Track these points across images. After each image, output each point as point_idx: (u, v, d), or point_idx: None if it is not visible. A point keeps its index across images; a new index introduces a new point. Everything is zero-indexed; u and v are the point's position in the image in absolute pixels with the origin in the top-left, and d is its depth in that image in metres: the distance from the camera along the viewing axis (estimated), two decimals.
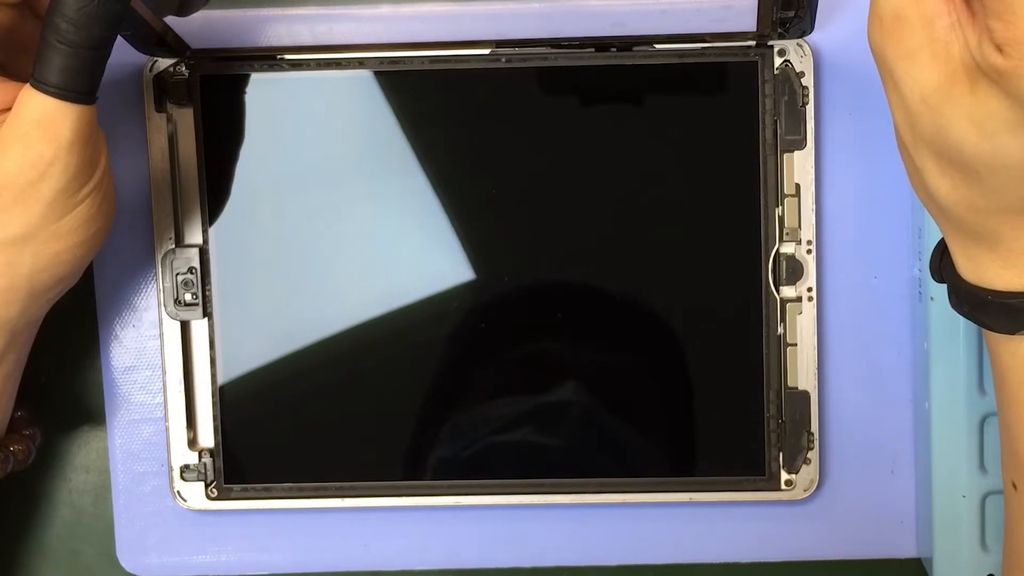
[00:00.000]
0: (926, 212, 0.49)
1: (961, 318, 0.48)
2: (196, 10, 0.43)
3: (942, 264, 0.41)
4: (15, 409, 0.48)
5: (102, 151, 0.42)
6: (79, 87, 0.39)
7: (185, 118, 0.51)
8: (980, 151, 0.34)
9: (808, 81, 0.49)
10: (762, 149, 0.50)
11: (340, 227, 0.51)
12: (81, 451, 0.54)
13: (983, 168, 0.34)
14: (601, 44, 0.50)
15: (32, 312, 0.44)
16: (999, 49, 0.32)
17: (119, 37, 0.45)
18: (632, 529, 0.53)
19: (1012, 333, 0.38)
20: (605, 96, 0.50)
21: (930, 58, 0.34)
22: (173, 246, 0.51)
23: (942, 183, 0.36)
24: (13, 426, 0.49)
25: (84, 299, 0.53)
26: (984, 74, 0.33)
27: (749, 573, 0.53)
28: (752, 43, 0.49)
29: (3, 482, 0.48)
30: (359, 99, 0.51)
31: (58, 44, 0.38)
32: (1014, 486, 0.41)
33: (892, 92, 0.36)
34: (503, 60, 0.50)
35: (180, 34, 0.47)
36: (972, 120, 0.33)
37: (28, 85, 0.39)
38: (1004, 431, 0.41)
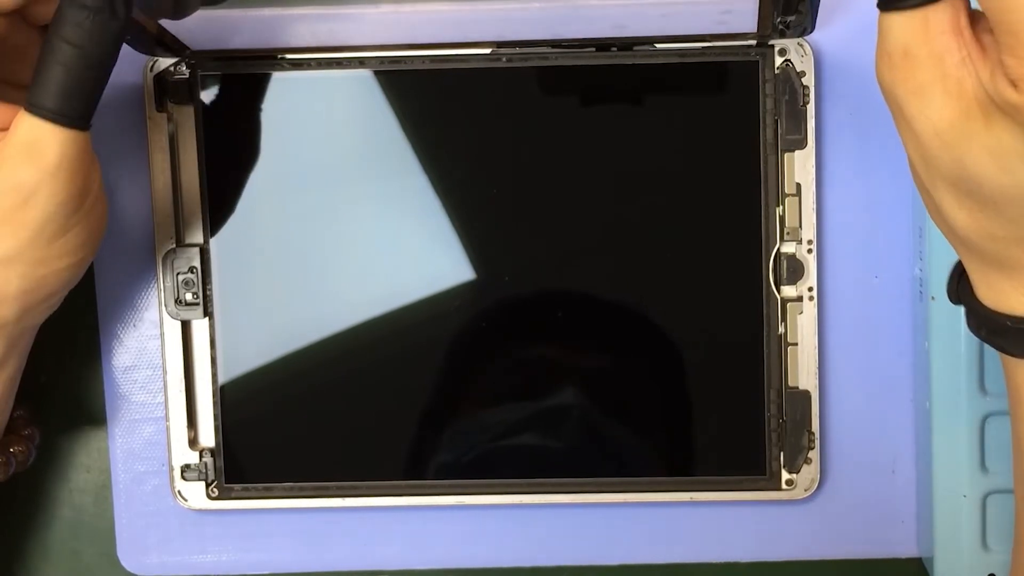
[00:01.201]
0: (927, 211, 0.49)
1: (962, 317, 0.48)
2: (191, 12, 0.43)
3: (959, 287, 0.40)
4: (14, 409, 0.48)
5: (95, 179, 0.41)
6: (70, 111, 0.38)
7: (186, 118, 0.51)
8: (999, 184, 0.33)
9: (809, 80, 0.49)
10: (763, 149, 0.50)
11: (341, 227, 0.51)
12: (82, 451, 0.55)
13: (1002, 200, 0.34)
14: (602, 44, 0.50)
15: (28, 320, 0.44)
16: (1013, 85, 0.31)
17: None
18: (633, 529, 0.53)
19: None
20: (606, 96, 0.50)
21: (942, 94, 0.33)
22: (174, 245, 0.51)
23: (960, 214, 0.36)
24: (12, 426, 0.49)
25: (85, 299, 0.53)
26: (999, 109, 0.32)
27: (750, 573, 0.54)
28: (753, 43, 0.49)
29: (4, 482, 0.48)
30: (360, 99, 0.51)
31: (53, 64, 0.37)
32: None
33: (904, 128, 0.36)
34: (504, 60, 0.50)
35: (179, 34, 0.47)
36: (990, 154, 0.33)
37: (23, 110, 0.38)
38: (1016, 447, 0.41)
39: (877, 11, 0.34)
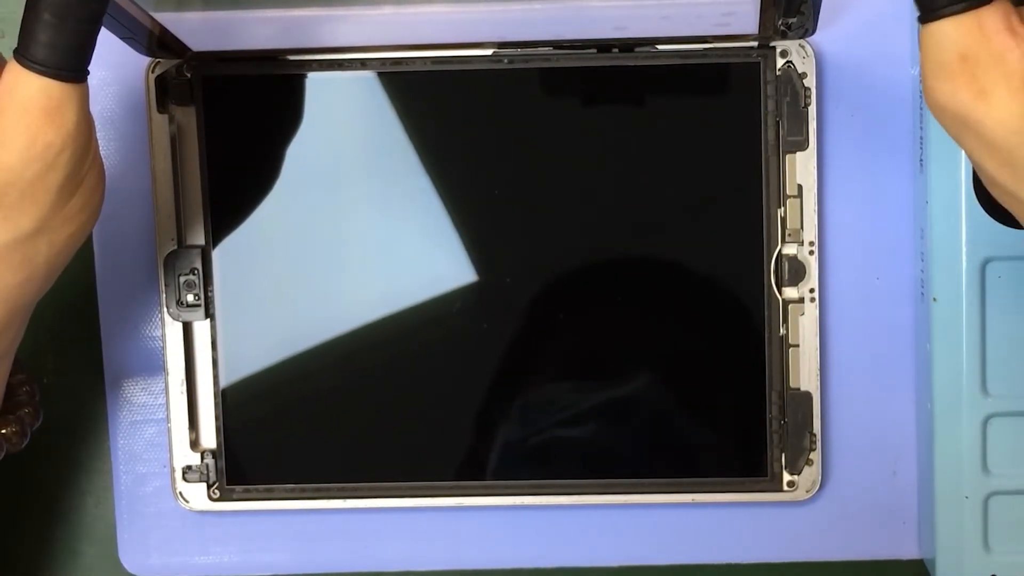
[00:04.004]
0: (928, 212, 0.49)
1: (964, 318, 0.48)
2: None
3: None
4: (13, 373, 0.47)
5: (94, 130, 0.40)
6: (82, 64, 0.37)
7: (188, 119, 0.51)
8: None
9: (810, 82, 0.49)
10: (764, 150, 0.50)
11: (343, 228, 0.51)
12: (83, 452, 0.54)
13: None
14: (603, 45, 0.50)
15: (46, 288, 0.43)
16: None
17: (121, 40, 0.45)
18: (634, 530, 0.53)
19: None
20: (607, 97, 0.50)
21: (1008, 92, 0.33)
22: (175, 247, 0.51)
23: None
24: (11, 390, 0.47)
25: (86, 300, 0.53)
26: None
27: (751, 574, 0.53)
28: (754, 44, 0.49)
29: (4, 478, 0.47)
30: (361, 100, 0.51)
31: (59, 21, 0.35)
32: None
33: (971, 138, 0.35)
34: (505, 61, 0.50)
35: (181, 36, 0.47)
36: None
37: (19, 68, 0.36)
38: None
39: (918, 25, 0.34)
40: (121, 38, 0.45)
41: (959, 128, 0.35)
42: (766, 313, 0.51)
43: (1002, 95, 0.33)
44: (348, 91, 0.51)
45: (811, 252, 0.50)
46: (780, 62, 0.49)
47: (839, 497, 0.53)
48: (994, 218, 0.47)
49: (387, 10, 0.45)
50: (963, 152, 0.47)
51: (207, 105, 0.51)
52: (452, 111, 0.51)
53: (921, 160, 0.50)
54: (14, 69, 0.37)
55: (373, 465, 0.52)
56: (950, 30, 0.33)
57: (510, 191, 0.51)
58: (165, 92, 0.51)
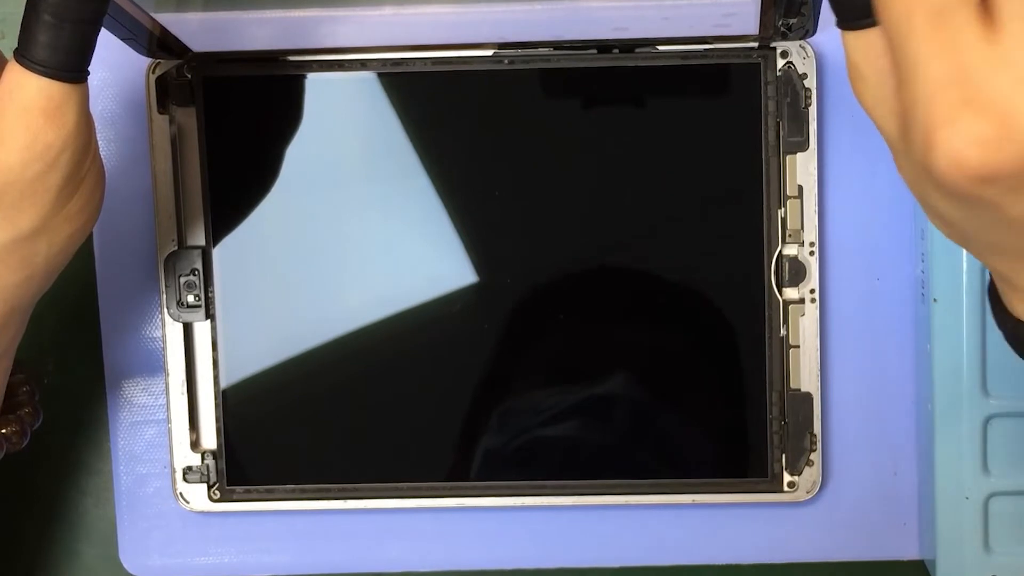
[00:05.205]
0: None
1: (964, 318, 0.48)
2: None
3: (993, 290, 0.39)
4: (13, 372, 0.47)
5: (94, 130, 0.40)
6: (82, 65, 0.37)
7: (188, 120, 0.51)
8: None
9: (811, 83, 0.49)
10: (765, 151, 0.50)
11: (343, 229, 0.51)
12: (84, 453, 0.55)
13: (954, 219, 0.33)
14: (603, 45, 0.50)
15: (45, 287, 0.43)
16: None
17: (121, 41, 0.45)
18: (634, 530, 0.53)
19: None
20: (607, 97, 0.50)
21: (888, 112, 0.33)
22: (176, 247, 0.51)
23: (940, 225, 0.35)
24: (11, 389, 0.47)
25: (87, 300, 0.53)
26: None
27: (752, 574, 0.53)
28: (755, 44, 0.49)
29: (4, 478, 0.48)
30: (362, 101, 0.51)
31: (59, 21, 0.35)
32: None
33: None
34: (506, 61, 0.50)
35: (181, 36, 0.47)
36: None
37: (19, 68, 0.36)
38: None
39: None
40: (121, 39, 0.45)
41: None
42: (766, 314, 0.51)
43: (884, 112, 0.33)
44: (348, 91, 0.51)
45: (811, 253, 0.50)
46: (780, 63, 0.49)
47: (839, 498, 0.53)
48: None
49: (387, 10, 0.45)
50: None
51: (207, 106, 0.51)
52: (452, 111, 0.51)
53: None
54: (14, 69, 0.37)
55: (374, 466, 0.52)
56: (849, 43, 0.34)
57: (510, 191, 0.51)
58: (165, 93, 0.51)
